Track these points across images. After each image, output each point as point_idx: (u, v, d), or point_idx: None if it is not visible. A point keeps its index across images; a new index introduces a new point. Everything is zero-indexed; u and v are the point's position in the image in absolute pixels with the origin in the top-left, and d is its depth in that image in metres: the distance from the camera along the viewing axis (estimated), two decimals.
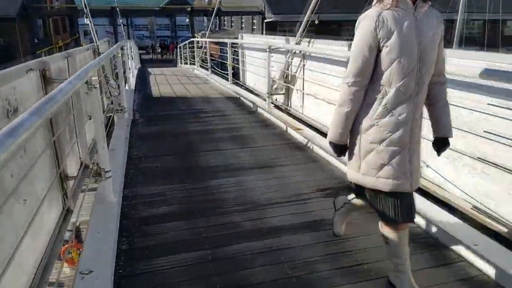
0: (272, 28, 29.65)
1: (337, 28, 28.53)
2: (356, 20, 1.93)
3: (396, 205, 1.96)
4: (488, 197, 2.83)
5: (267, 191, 3.39)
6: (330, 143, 2.07)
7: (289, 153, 4.47)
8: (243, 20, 38.54)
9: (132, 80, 9.98)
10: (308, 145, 4.67)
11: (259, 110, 6.57)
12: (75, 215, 3.01)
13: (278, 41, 6.95)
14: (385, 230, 2.06)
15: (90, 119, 2.78)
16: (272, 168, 3.98)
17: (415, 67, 1.83)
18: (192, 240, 2.65)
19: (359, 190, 2.15)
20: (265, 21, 30.91)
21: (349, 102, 1.90)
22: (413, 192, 2.02)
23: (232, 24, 41.64)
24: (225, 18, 42.72)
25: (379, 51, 1.84)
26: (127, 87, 8.51)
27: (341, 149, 2.06)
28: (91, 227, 2.62)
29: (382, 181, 1.93)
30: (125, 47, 8.45)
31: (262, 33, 31.59)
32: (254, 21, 35.26)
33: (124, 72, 7.96)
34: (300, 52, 5.89)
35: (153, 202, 3.22)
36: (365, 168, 1.97)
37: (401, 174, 1.92)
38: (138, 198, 3.30)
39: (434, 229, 2.71)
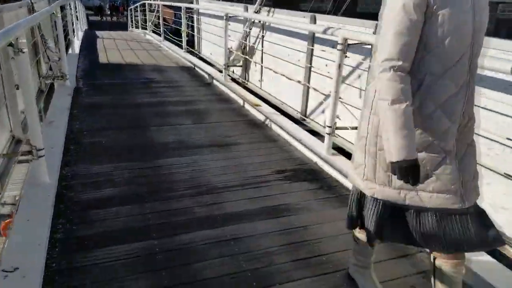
0: None
1: None
2: None
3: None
4: None
5: (223, 173, 3.18)
6: (397, 164, 1.41)
7: (247, 130, 4.25)
8: None
9: (77, 44, 9.21)
10: (266, 122, 4.47)
11: (215, 82, 6.25)
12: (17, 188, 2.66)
13: (236, 8, 6.60)
14: (359, 233, 1.89)
15: (17, 88, 2.38)
16: (228, 147, 3.75)
17: (469, 46, 1.42)
18: (139, 228, 2.40)
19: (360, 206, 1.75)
20: None
21: (402, 93, 1.38)
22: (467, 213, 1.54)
23: None
24: None
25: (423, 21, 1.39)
26: (70, 52, 7.84)
27: (415, 169, 1.42)
28: (19, 215, 2.29)
29: (426, 197, 1.52)
30: (68, 6, 7.68)
31: None
32: None
33: (67, 35, 7.28)
34: (259, 21, 5.60)
35: (96, 183, 2.90)
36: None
37: (450, 186, 1.49)
38: (79, 179, 2.96)
39: None
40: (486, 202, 2.54)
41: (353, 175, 1.72)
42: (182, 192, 2.83)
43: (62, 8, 7.56)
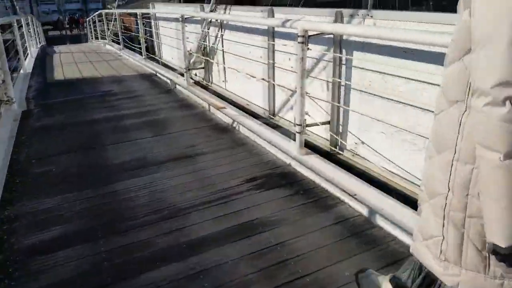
0: None
1: None
2: None
3: None
4: None
5: (187, 190, 2.87)
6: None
7: (213, 137, 3.95)
8: None
9: (30, 62, 8.67)
10: (234, 125, 4.18)
11: (178, 87, 5.91)
12: None
13: (193, 9, 6.26)
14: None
15: None
16: (192, 158, 3.44)
17: None
18: (90, 272, 2.06)
19: None
20: None
21: None
22: None
23: None
24: None
25: None
26: (22, 71, 7.35)
27: None
28: None
29: None
30: (16, 23, 7.17)
31: (180, 1, 30.15)
32: None
33: (13, 53, 6.80)
34: (216, 20, 5.29)
35: (43, 222, 2.54)
36: (504, 269, 1.01)
37: None
38: (23, 219, 2.59)
39: (375, 218, 2.39)
40: None
41: (419, 248, 1.19)
42: (142, 220, 2.51)
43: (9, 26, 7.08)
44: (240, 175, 3.08)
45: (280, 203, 2.68)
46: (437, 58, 2.36)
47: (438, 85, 2.38)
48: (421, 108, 2.54)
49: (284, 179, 3.01)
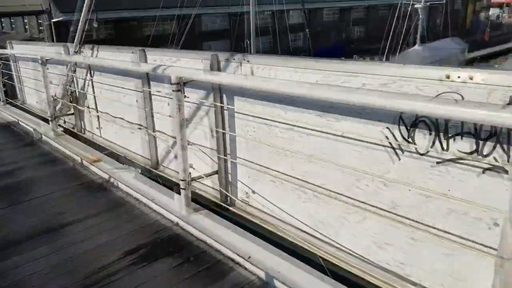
0: (64, 30, 26.50)
1: (137, 24, 27.63)
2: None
3: None
4: (325, 223, 2.47)
5: (51, 278, 2.33)
6: None
7: (86, 199, 3.41)
8: (25, 21, 33.59)
9: None
10: (111, 181, 3.69)
11: (44, 138, 5.15)
12: None
13: (56, 49, 5.62)
14: None
15: None
16: (58, 232, 2.87)
17: None
18: None
19: None
20: (53, 21, 27.42)
21: None
22: None
23: (13, 26, 35.81)
24: (3, 20, 36.72)
25: None
26: None
27: None
28: None
29: None
30: None
31: (52, 36, 27.85)
32: (40, 21, 31.13)
33: None
34: (82, 63, 4.78)
35: None
36: None
37: None
38: None
39: (273, 282, 2.18)
40: (369, 239, 2.27)
41: None
42: None
43: None
44: (119, 247, 2.65)
45: (169, 278, 2.33)
46: (312, 106, 2.31)
47: (318, 131, 2.32)
48: (304, 155, 2.44)
49: (172, 244, 2.66)
